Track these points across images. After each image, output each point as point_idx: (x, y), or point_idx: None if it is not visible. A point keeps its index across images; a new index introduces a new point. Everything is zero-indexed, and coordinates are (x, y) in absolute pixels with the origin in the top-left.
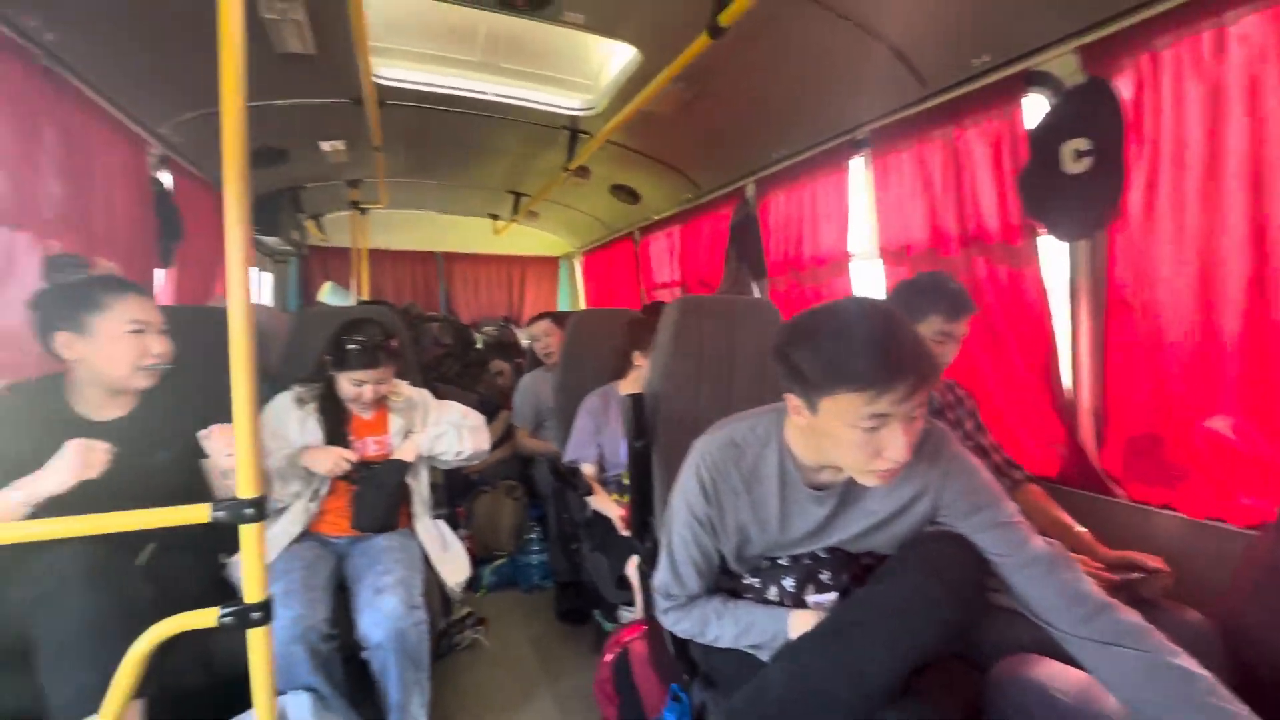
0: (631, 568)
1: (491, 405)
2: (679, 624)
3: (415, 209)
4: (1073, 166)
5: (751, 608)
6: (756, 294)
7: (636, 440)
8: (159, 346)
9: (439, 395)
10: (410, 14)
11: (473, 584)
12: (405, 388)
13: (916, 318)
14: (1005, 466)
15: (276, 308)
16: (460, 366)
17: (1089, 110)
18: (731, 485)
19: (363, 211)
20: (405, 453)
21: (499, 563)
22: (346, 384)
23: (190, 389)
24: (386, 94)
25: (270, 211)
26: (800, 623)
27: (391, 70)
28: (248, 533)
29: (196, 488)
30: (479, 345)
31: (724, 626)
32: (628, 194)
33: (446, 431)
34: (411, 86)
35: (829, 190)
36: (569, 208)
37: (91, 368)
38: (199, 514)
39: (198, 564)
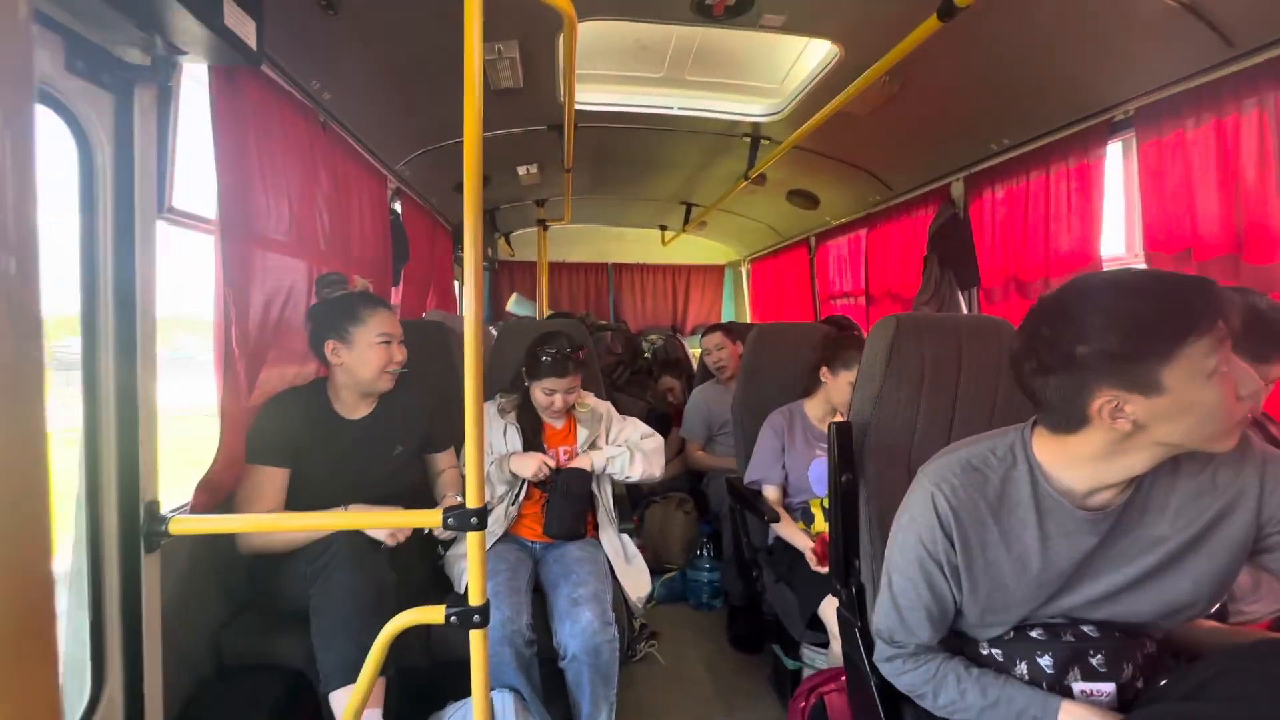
0: (830, 611)
1: (661, 419)
2: (904, 676)
3: (591, 223)
4: None
5: (1005, 682)
6: (964, 307)
7: (843, 473)
8: (400, 355)
9: (616, 405)
10: (603, 37)
11: None
12: (591, 399)
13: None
14: None
15: None
16: (629, 374)
17: None
18: (978, 516)
19: (545, 228)
20: (584, 462)
21: (669, 575)
22: (540, 393)
23: (417, 395)
24: (580, 118)
25: None
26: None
27: (585, 94)
28: (473, 540)
29: (423, 480)
30: (646, 354)
31: (967, 694)
32: (806, 199)
33: (621, 454)
34: (602, 109)
35: (1072, 183)
36: (739, 215)
37: (349, 371)
38: (433, 519)
39: (423, 553)
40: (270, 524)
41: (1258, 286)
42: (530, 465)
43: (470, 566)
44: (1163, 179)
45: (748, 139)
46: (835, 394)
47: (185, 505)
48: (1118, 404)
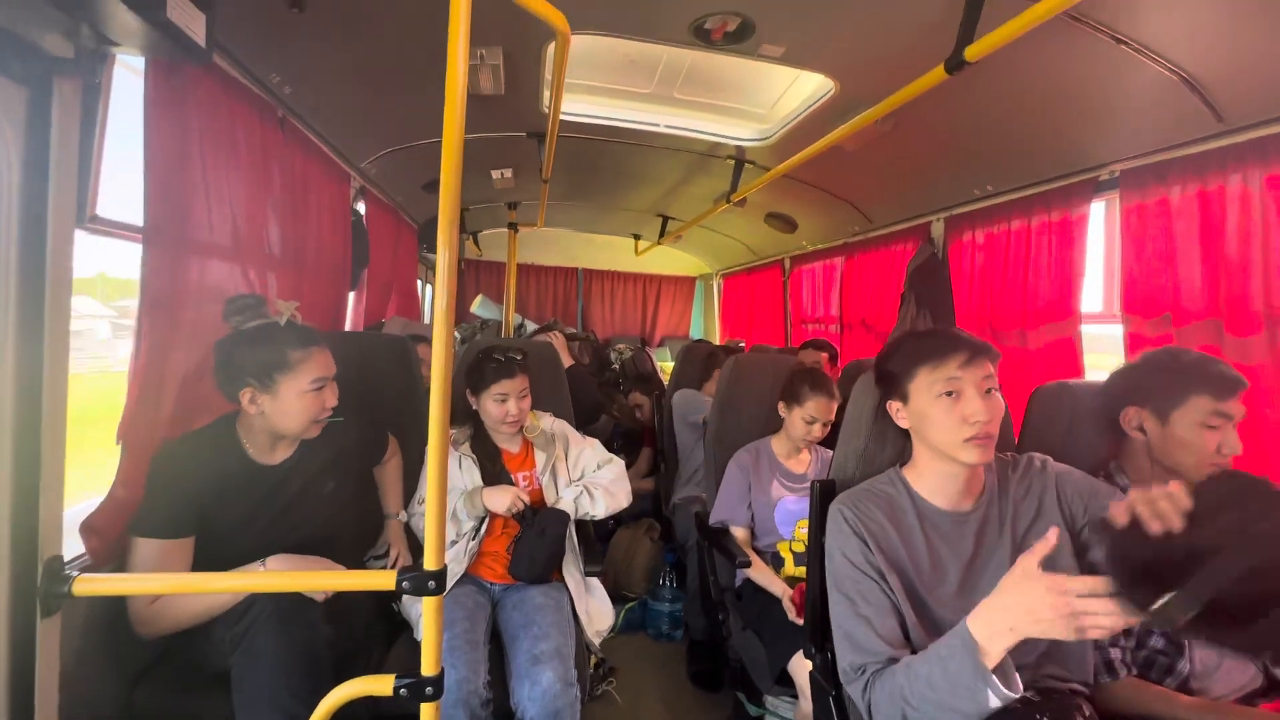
0: (800, 667)
1: (628, 435)
2: (875, 699)
3: (563, 227)
4: None
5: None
6: None
7: (823, 533)
8: (333, 399)
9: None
10: (592, 50)
11: None
12: (546, 420)
13: (1172, 403)
14: None
15: (433, 317)
16: (596, 385)
17: None
18: (879, 522)
19: (516, 230)
20: (566, 504)
21: (630, 605)
22: (491, 404)
23: (348, 421)
24: (562, 127)
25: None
26: None
27: (568, 104)
28: (429, 605)
29: (359, 510)
30: (614, 365)
31: (914, 676)
32: (784, 222)
33: (580, 494)
34: (584, 120)
35: (1053, 236)
36: (715, 231)
37: (269, 420)
38: (385, 580)
39: (367, 597)
40: (195, 585)
41: (1238, 357)
42: (505, 499)
43: (425, 633)
44: (1144, 242)
45: (731, 161)
46: (791, 429)
47: (83, 555)
48: (896, 408)
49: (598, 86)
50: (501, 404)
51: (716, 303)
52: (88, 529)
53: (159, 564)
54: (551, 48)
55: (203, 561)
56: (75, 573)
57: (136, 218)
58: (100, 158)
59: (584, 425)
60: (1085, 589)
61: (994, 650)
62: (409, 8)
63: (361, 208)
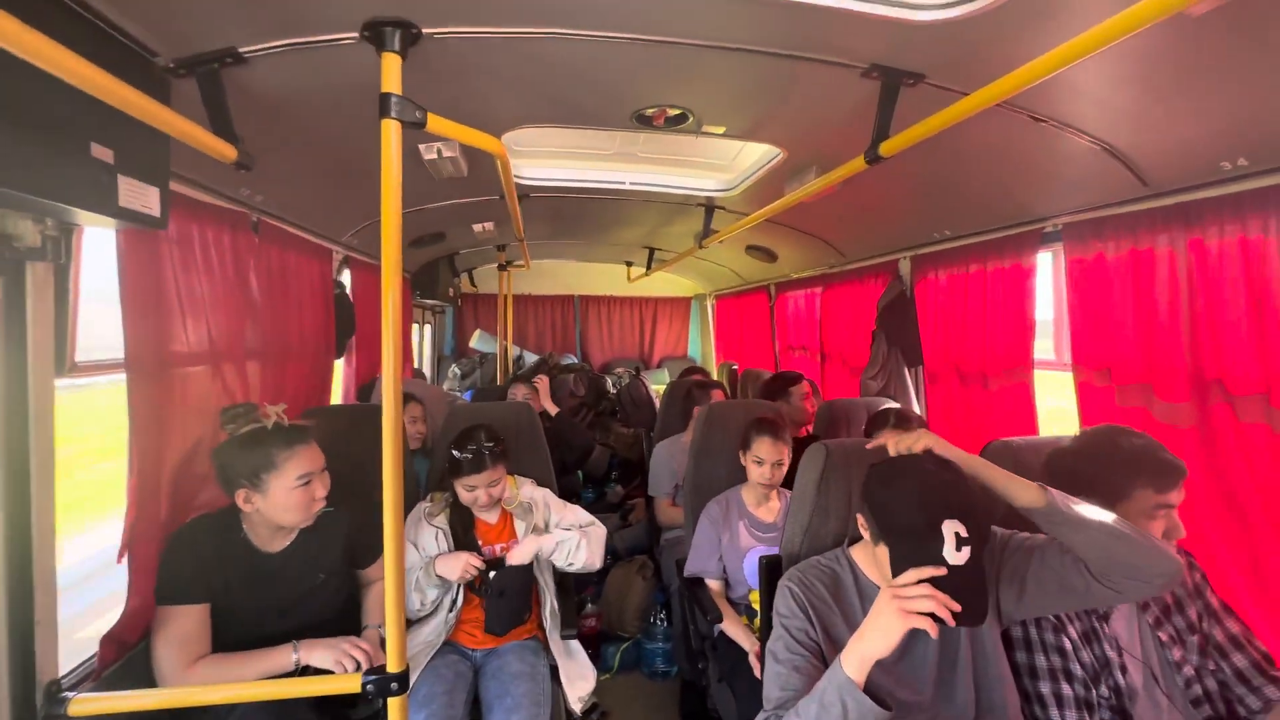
0: None
1: (625, 465)
2: None
3: (555, 259)
4: None
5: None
6: (909, 386)
7: (769, 609)
8: (322, 490)
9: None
10: None
11: (599, 664)
12: (526, 489)
13: (1116, 497)
14: (1265, 665)
15: (433, 355)
16: (592, 416)
17: None
18: (821, 596)
19: (505, 268)
20: (520, 556)
21: (625, 645)
22: (462, 490)
23: (340, 515)
24: (528, 191)
25: (430, 277)
26: None
27: (532, 170)
28: (394, 705)
29: (349, 601)
30: (611, 392)
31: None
32: (764, 253)
33: (569, 538)
34: (553, 183)
35: (1008, 282)
36: (703, 260)
37: (265, 516)
38: (350, 684)
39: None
40: (180, 699)
41: (1169, 421)
42: (456, 567)
43: None
44: (1087, 294)
45: (703, 208)
46: (750, 474)
47: (92, 657)
48: (864, 528)
49: (562, 150)
50: (470, 492)
51: (711, 323)
52: (108, 641)
53: (183, 627)
54: (505, 136)
55: (214, 645)
56: (71, 695)
57: (117, 350)
58: (76, 316)
59: (579, 466)
60: (908, 579)
61: (859, 679)
62: (363, 111)
63: (346, 277)
